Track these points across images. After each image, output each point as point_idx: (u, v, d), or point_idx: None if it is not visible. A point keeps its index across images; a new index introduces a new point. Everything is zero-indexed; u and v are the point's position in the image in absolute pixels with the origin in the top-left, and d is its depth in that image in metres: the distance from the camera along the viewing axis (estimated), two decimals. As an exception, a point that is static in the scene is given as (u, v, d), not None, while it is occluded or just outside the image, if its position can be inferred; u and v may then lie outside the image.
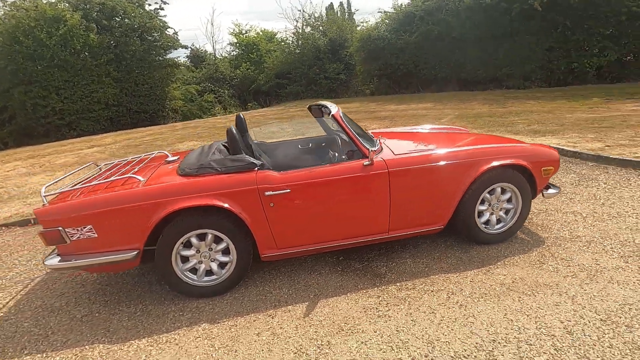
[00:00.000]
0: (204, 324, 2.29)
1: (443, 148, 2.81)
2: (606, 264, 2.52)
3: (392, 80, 18.86)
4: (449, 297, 2.32)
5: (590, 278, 2.38)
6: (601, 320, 2.00)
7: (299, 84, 21.20)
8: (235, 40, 26.03)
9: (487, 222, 2.89)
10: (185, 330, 2.26)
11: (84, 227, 2.32)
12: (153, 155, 3.32)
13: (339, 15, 23.90)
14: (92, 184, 2.57)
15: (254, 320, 2.29)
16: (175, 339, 2.18)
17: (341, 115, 2.73)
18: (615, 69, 14.74)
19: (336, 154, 2.94)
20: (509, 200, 2.88)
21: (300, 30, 22.75)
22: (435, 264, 2.74)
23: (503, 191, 2.84)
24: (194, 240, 2.45)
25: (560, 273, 2.47)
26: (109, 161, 3.45)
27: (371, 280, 2.61)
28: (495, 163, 2.70)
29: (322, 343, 2.03)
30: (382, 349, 1.95)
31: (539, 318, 2.06)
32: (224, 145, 3.26)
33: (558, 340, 1.89)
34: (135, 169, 2.84)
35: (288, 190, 2.46)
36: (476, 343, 1.92)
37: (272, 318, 2.30)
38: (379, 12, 21.24)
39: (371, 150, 2.57)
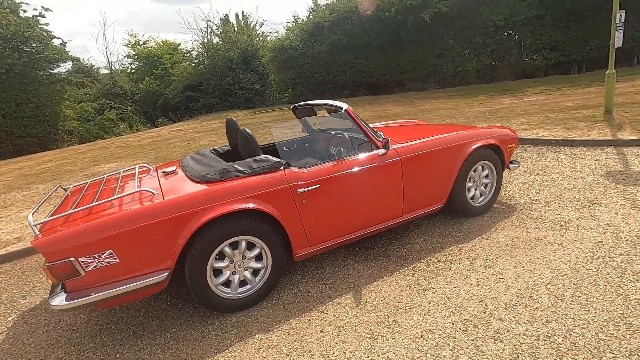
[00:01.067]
0: (257, 335, 2.16)
1: (436, 135, 3.13)
2: (568, 216, 3.13)
3: (308, 88, 19.49)
4: (472, 262, 2.62)
5: (564, 228, 2.93)
6: (590, 257, 2.51)
7: (213, 95, 20.44)
8: (133, 52, 23.81)
9: (472, 197, 3.31)
10: (241, 345, 2.09)
11: (103, 253, 1.98)
12: (135, 171, 2.96)
13: (235, 27, 23.25)
14: (87, 206, 2.19)
15: (309, 320, 2.24)
16: (235, 356, 2.01)
17: (352, 110, 2.85)
18: (489, 71, 17.74)
19: (341, 149, 3.04)
20: (486, 176, 3.35)
21: (207, 41, 21.98)
22: (443, 239, 3.04)
23: (482, 168, 3.30)
24: (227, 249, 2.28)
25: (541, 228, 2.98)
26: (76, 183, 2.96)
27: (397, 262, 2.77)
28: (479, 144, 3.14)
29: (390, 323, 2.11)
30: (445, 315, 2.12)
31: (548, 264, 2.48)
32: (212, 151, 3.09)
33: (571, 277, 2.31)
34: (131, 184, 2.52)
35: (318, 186, 2.48)
36: (515, 293, 2.23)
37: (326, 314, 2.28)
38: (287, 22, 21.78)
39: (383, 140, 2.75)
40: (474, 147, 3.11)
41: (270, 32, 23.71)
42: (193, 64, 21.65)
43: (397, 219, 2.90)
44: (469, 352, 1.82)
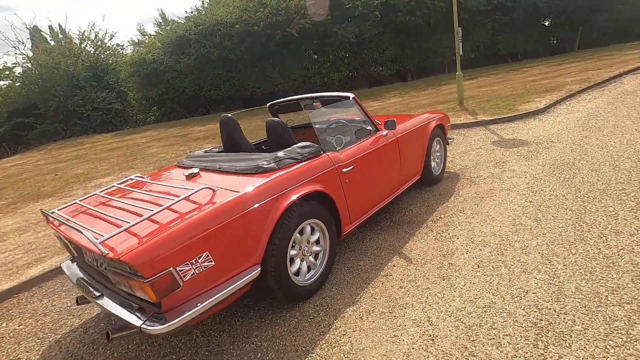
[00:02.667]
0: (347, 309, 2.23)
1: (408, 119, 3.70)
2: (495, 172, 4.17)
3: (179, 104, 18.26)
4: (464, 213, 3.27)
5: (500, 179, 3.92)
6: (531, 192, 3.48)
7: (55, 120, 16.90)
8: None
9: (433, 168, 4.04)
10: (339, 321, 2.13)
11: (200, 257, 1.74)
12: (133, 181, 2.55)
13: (50, 40, 19.47)
14: (148, 215, 1.83)
15: (382, 284, 2.43)
16: (344, 331, 2.05)
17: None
18: (348, 80, 20.25)
19: (341, 137, 3.28)
20: (438, 150, 4.14)
21: (31, 55, 18.01)
22: (429, 203, 3.62)
23: (437, 144, 4.06)
24: (297, 236, 2.26)
25: (487, 182, 3.90)
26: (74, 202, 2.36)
27: (409, 226, 3.20)
28: (435, 123, 3.87)
29: (447, 265, 2.51)
30: (480, 249, 2.65)
31: (512, 201, 3.33)
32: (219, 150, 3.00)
33: (532, 206, 3.19)
34: (167, 189, 2.23)
35: (353, 166, 2.69)
36: (510, 223, 2.95)
37: (391, 275, 2.51)
38: (134, 37, 19.73)
39: (382, 124, 3.15)
40: (433, 125, 3.83)
41: (122, 45, 20.99)
42: (19, 84, 17.39)
43: (398, 190, 3.34)
44: (516, 266, 2.38)
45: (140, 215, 1.84)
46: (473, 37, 21.38)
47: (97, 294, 1.92)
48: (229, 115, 3.06)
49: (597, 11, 23.13)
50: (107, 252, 1.61)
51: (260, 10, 16.40)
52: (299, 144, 2.54)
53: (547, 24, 24.25)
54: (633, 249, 2.35)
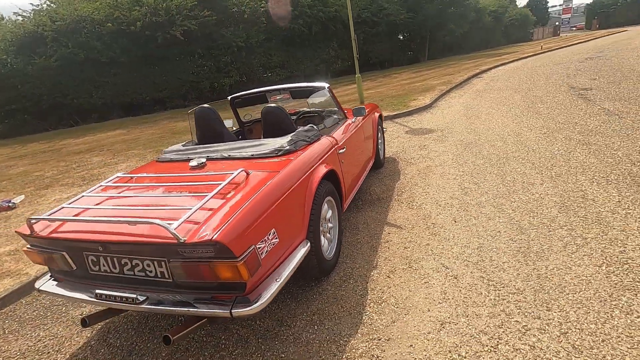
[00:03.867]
0: (381, 271, 2.44)
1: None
2: (421, 153, 4.94)
3: (35, 116, 15.10)
4: (420, 185, 3.83)
5: (430, 158, 4.68)
6: (459, 164, 4.28)
7: None
8: None
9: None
10: (388, 280, 2.34)
11: (269, 234, 1.71)
12: (125, 178, 2.24)
13: None
14: (205, 200, 1.69)
15: (404, 248, 2.72)
16: (382, 290, 2.26)
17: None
18: (239, 86, 19.98)
19: (324, 123, 3.41)
20: (379, 137, 4.67)
21: None
22: (384, 183, 4.08)
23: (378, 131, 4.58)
24: (322, 212, 2.37)
25: (422, 161, 4.60)
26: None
27: (383, 202, 3.57)
28: (378, 113, 4.38)
29: (449, 221, 2.96)
30: (459, 208, 3.19)
31: (457, 169, 4.05)
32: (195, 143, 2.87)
33: (471, 171, 3.95)
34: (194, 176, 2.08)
35: (345, 148, 2.91)
36: (468, 181, 3.61)
37: (409, 241, 2.83)
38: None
39: (349, 111, 3.47)
40: (378, 115, 4.32)
41: None
42: None
43: (366, 171, 3.69)
44: (481, 216, 2.98)
45: (183, 204, 1.71)
46: (349, 46, 23.67)
47: (142, 298, 1.68)
48: (207, 105, 2.92)
49: (438, 29, 28.39)
50: (183, 239, 1.47)
51: (135, 9, 14.86)
52: (303, 128, 2.63)
53: (401, 37, 28.53)
54: (547, 193, 3.22)
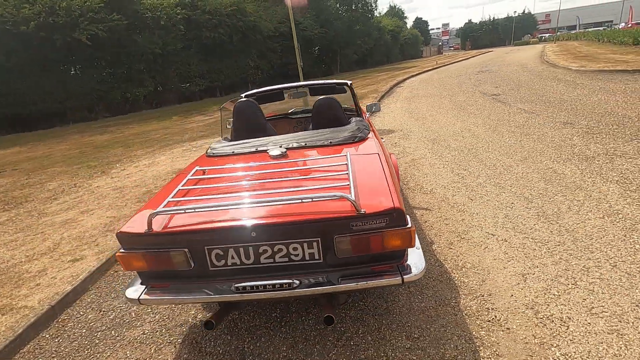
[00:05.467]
0: (439, 244, 2.67)
1: None
2: (417, 145, 5.40)
3: None
4: (419, 175, 4.21)
5: (420, 151, 5.15)
6: (459, 162, 4.82)
7: None
8: None
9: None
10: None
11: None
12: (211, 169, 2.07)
13: None
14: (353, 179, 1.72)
15: (439, 227, 2.99)
16: (454, 259, 2.50)
17: None
18: (155, 96, 18.55)
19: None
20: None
21: None
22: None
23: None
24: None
25: (415, 154, 5.04)
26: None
27: (409, 189, 3.84)
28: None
29: (469, 207, 3.33)
30: (459, 190, 3.62)
31: (450, 167, 4.55)
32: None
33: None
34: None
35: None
36: (457, 174, 4.10)
37: (429, 222, 3.10)
38: None
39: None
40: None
41: None
42: None
43: None
44: (491, 192, 3.47)
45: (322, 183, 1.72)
46: (268, 57, 23.90)
47: (297, 282, 1.61)
48: (248, 99, 2.83)
49: (347, 44, 30.55)
50: (363, 210, 1.50)
51: (25, 7, 12.73)
52: (357, 119, 2.75)
53: (316, 51, 29.93)
54: (527, 172, 3.90)
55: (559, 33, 50.13)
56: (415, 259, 1.72)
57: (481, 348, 1.75)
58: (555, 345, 1.71)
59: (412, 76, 18.03)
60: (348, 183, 1.67)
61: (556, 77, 11.26)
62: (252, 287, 1.62)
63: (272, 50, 23.81)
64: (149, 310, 2.36)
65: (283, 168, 2.01)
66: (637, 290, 1.98)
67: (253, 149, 2.41)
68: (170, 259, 1.65)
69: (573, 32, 43.52)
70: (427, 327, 1.92)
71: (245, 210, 1.61)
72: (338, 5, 30.89)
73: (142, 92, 17.35)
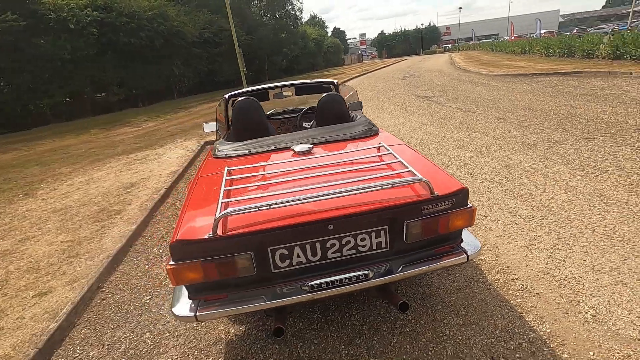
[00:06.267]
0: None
1: None
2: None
3: None
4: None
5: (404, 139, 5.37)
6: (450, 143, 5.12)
7: None
8: None
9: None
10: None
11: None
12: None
13: None
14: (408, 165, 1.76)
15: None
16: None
17: None
18: (64, 108, 16.47)
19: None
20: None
21: None
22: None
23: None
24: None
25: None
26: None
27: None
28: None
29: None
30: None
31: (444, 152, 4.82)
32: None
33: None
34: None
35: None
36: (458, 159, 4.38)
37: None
38: None
39: None
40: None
41: None
42: None
43: None
44: (484, 169, 3.80)
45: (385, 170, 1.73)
46: (194, 65, 22.80)
47: (372, 272, 1.57)
48: (250, 97, 2.69)
49: (274, 52, 30.62)
50: (436, 193, 1.55)
51: None
52: (360, 115, 2.79)
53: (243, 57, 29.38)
54: (477, 155, 4.35)
55: (458, 44, 56.79)
56: (467, 237, 1.82)
57: (524, 314, 1.91)
58: (581, 301, 1.95)
59: (344, 82, 18.77)
60: (408, 169, 1.71)
61: (472, 80, 12.73)
62: (327, 283, 1.56)
63: (197, 57, 22.77)
64: (167, 333, 2.09)
65: (323, 162, 1.96)
66: (618, 247, 2.35)
67: (272, 147, 2.30)
68: (235, 265, 1.50)
69: (470, 42, 49.68)
70: (470, 303, 2.03)
71: (315, 204, 1.54)
72: (262, 13, 30.87)
73: (49, 103, 15.23)
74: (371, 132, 2.44)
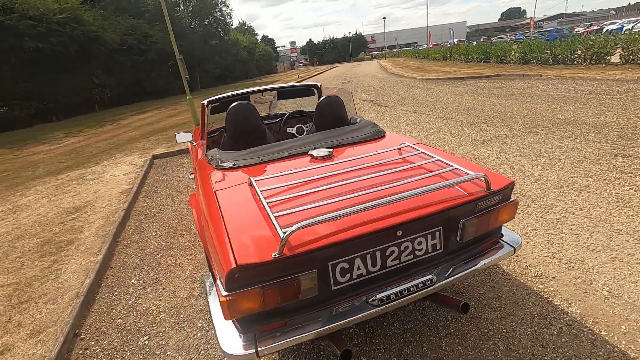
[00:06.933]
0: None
1: None
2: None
3: None
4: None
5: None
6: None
7: None
8: None
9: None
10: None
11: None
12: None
13: None
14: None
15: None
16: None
17: None
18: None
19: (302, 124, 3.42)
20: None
21: None
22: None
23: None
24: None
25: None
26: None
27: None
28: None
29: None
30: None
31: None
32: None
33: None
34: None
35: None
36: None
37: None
38: None
39: None
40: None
41: None
42: None
43: None
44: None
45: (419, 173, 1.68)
46: (117, 74, 20.90)
47: (435, 277, 1.50)
48: (245, 101, 2.47)
49: (206, 60, 29.44)
50: (491, 189, 1.55)
51: None
52: (359, 119, 2.72)
53: (172, 65, 27.77)
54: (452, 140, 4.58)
55: (384, 51, 60.34)
56: (505, 231, 1.85)
57: (551, 298, 2.00)
58: (593, 280, 2.10)
59: (284, 89, 18.66)
60: (453, 167, 1.68)
61: (409, 84, 13.54)
62: (395, 294, 1.45)
63: (120, 66, 20.93)
64: (187, 378, 1.78)
65: (354, 166, 1.85)
66: (601, 227, 2.61)
67: (285, 154, 2.13)
68: (299, 287, 1.33)
69: (395, 50, 53.10)
70: (499, 296, 2.07)
71: (376, 210, 1.43)
72: (189, 19, 29.52)
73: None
74: (380, 133, 2.40)
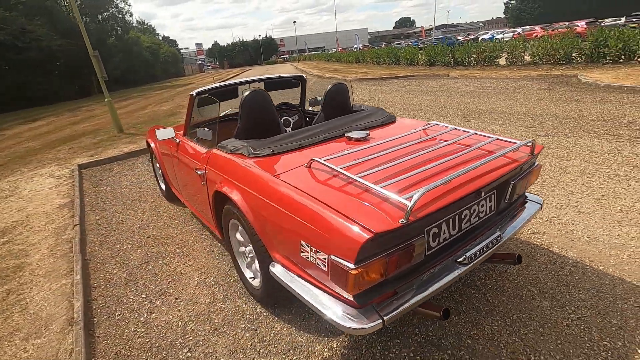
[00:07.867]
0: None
1: None
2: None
3: None
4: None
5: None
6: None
7: None
8: None
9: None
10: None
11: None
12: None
13: None
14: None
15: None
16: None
17: None
18: None
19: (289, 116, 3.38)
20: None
21: None
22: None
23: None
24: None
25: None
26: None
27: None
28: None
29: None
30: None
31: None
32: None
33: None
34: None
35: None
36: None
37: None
38: None
39: None
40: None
41: None
42: None
43: None
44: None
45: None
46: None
47: (499, 233, 1.68)
48: (260, 89, 2.37)
49: (104, 61, 26.16)
50: (534, 153, 1.78)
51: None
52: (361, 105, 2.81)
53: (63, 67, 24.18)
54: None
55: (294, 55, 61.40)
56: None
57: (551, 248, 2.37)
58: (572, 230, 2.55)
59: (204, 91, 17.75)
60: (494, 137, 1.89)
61: (334, 85, 14.09)
62: (479, 251, 1.59)
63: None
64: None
65: (403, 143, 1.94)
66: (557, 191, 3.16)
67: (321, 137, 2.12)
68: (412, 252, 1.38)
69: (305, 53, 54.44)
70: (538, 279, 2.34)
71: (460, 178, 1.55)
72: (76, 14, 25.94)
73: None
74: (393, 117, 2.53)
